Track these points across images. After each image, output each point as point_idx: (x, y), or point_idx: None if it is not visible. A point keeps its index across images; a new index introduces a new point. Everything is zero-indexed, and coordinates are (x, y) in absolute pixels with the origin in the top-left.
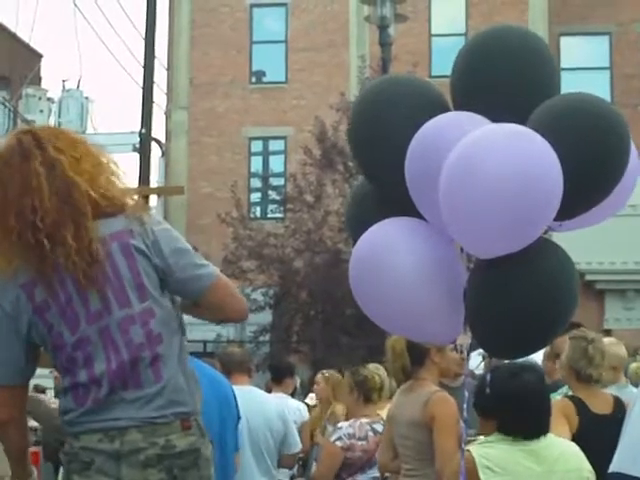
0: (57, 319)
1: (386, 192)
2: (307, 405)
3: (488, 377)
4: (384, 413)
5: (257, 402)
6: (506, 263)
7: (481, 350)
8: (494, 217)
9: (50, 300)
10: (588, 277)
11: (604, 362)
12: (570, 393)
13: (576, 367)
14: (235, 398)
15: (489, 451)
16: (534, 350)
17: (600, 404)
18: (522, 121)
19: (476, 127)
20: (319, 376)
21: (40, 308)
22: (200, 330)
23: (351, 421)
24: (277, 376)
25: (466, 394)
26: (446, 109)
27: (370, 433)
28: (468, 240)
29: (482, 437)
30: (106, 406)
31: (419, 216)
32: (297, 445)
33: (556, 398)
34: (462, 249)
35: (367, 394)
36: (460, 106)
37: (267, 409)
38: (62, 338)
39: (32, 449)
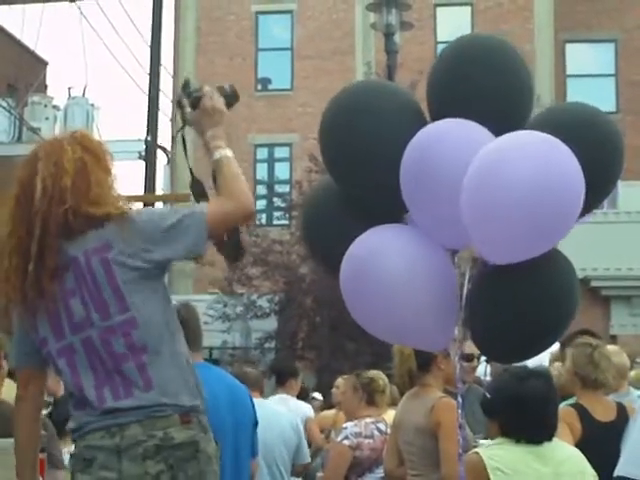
0: (44, 324)
1: (357, 196)
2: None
3: (496, 380)
4: (385, 416)
5: (270, 416)
6: (516, 270)
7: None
8: (519, 223)
9: (39, 302)
10: (594, 283)
11: (610, 367)
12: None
13: (582, 373)
14: (252, 402)
15: (498, 452)
16: (534, 355)
17: (604, 411)
18: (502, 129)
19: (475, 136)
20: (339, 380)
21: (31, 309)
22: (206, 337)
23: (355, 421)
24: (280, 378)
25: (460, 400)
26: (422, 116)
27: (376, 432)
28: (489, 246)
29: (487, 441)
30: (101, 413)
31: (389, 221)
32: (308, 457)
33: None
34: (453, 255)
35: (371, 395)
36: (438, 116)
37: (281, 422)
38: (47, 344)
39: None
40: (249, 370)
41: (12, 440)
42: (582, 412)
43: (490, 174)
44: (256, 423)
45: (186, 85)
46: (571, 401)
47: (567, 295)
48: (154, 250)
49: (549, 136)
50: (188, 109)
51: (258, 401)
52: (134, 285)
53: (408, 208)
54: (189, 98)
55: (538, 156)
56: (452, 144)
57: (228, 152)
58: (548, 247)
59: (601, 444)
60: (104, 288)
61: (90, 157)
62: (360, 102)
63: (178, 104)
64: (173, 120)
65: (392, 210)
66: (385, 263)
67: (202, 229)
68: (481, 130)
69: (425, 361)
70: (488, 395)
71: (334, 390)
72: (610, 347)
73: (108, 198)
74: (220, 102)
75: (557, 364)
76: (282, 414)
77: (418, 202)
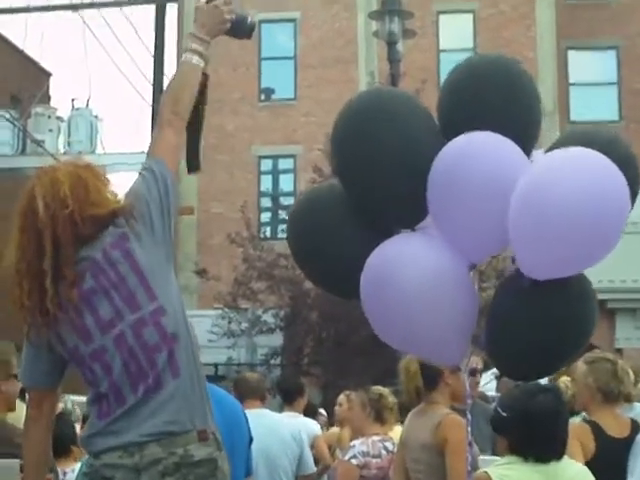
0: (69, 334)
1: (369, 205)
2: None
3: (506, 396)
4: (392, 433)
5: (271, 425)
6: (547, 288)
7: (494, 370)
8: (567, 240)
9: (63, 314)
10: (599, 296)
11: (630, 380)
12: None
13: (606, 388)
14: (246, 419)
15: (507, 472)
16: (552, 373)
17: (618, 427)
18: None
19: (506, 150)
20: (342, 397)
21: (54, 324)
22: (211, 353)
23: (363, 439)
24: (288, 397)
25: (469, 416)
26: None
27: (383, 451)
28: (532, 260)
29: (490, 457)
30: (128, 417)
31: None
32: (312, 467)
33: (573, 422)
34: (471, 269)
35: (379, 412)
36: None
37: (281, 431)
38: (78, 351)
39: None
40: (249, 375)
41: (17, 461)
42: (596, 428)
43: (540, 191)
44: (251, 440)
45: None
46: (578, 418)
47: (591, 313)
48: (159, 226)
49: (597, 153)
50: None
51: (259, 411)
52: (155, 271)
53: (433, 218)
54: None
55: (587, 174)
56: (483, 157)
57: (195, 60)
58: (594, 263)
59: (615, 460)
60: (129, 278)
61: (83, 170)
62: (375, 109)
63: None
64: None
65: (405, 220)
66: (407, 272)
67: (173, 180)
68: (511, 144)
69: (432, 378)
70: (502, 412)
71: (337, 408)
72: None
73: (107, 199)
74: (229, 15)
75: (564, 378)
76: (283, 424)
77: (444, 212)
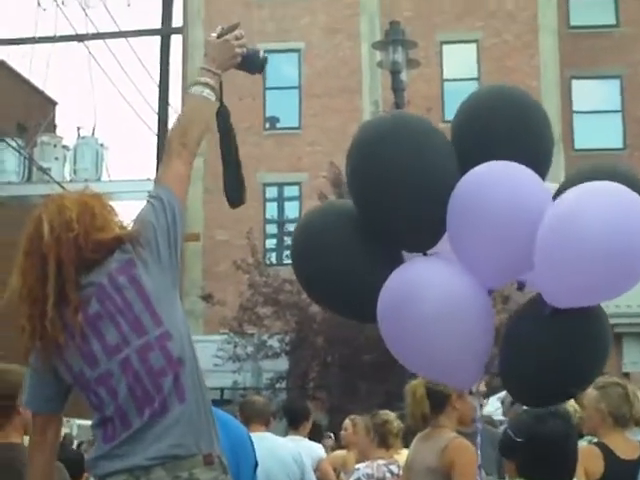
0: (75, 358)
1: (380, 226)
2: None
3: (515, 419)
4: (398, 457)
5: (272, 448)
6: (568, 314)
7: (500, 395)
8: (595, 272)
9: (68, 339)
10: None
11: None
12: (594, 440)
13: (617, 413)
14: (252, 443)
15: None
16: (565, 401)
17: (627, 449)
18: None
19: (524, 177)
20: (347, 422)
21: (60, 348)
22: (217, 377)
23: (367, 462)
24: (294, 420)
25: (479, 440)
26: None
27: (387, 474)
28: (558, 290)
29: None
30: (133, 441)
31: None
32: None
33: (582, 445)
34: (490, 293)
35: (383, 437)
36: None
37: (282, 454)
38: (84, 376)
39: None
40: (255, 398)
41: None
42: (605, 451)
43: (569, 222)
44: (256, 464)
45: (235, 26)
46: (584, 442)
47: (608, 340)
48: (166, 254)
49: (624, 187)
50: (214, 34)
51: (262, 434)
52: (161, 296)
53: (451, 243)
54: (223, 29)
55: (616, 207)
56: (504, 185)
57: (206, 92)
58: (619, 294)
59: None
60: (135, 304)
61: (90, 198)
62: (394, 133)
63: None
64: None
65: (418, 245)
66: (426, 295)
67: (181, 209)
68: (531, 173)
69: (439, 402)
70: (511, 435)
71: (342, 432)
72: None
73: (113, 225)
74: (240, 49)
75: (571, 402)
76: (284, 446)
77: (464, 239)
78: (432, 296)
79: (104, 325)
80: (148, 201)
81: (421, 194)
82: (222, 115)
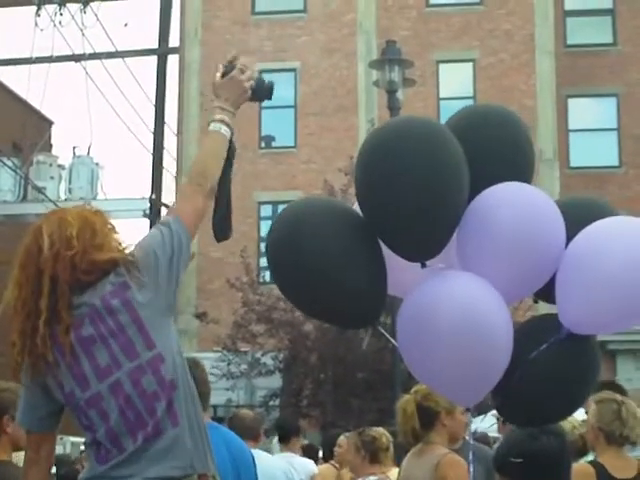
0: (66, 378)
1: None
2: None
3: (509, 437)
4: (390, 474)
5: (262, 465)
6: (578, 339)
7: (495, 412)
8: (617, 300)
9: (59, 358)
10: (600, 337)
11: (636, 423)
12: (591, 458)
13: (607, 429)
14: (253, 459)
15: None
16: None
17: (624, 468)
18: None
19: (535, 199)
20: (341, 438)
21: (50, 367)
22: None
23: (360, 479)
24: (284, 436)
25: (470, 456)
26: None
27: None
28: (579, 318)
29: None
30: (129, 464)
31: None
32: None
33: (577, 463)
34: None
35: (374, 454)
36: None
37: (273, 472)
38: (74, 397)
39: None
40: (244, 412)
41: None
42: (600, 469)
43: (592, 255)
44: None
45: (233, 59)
46: (588, 458)
47: (599, 361)
48: (164, 281)
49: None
50: (218, 74)
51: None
52: (155, 321)
53: (461, 261)
54: (225, 67)
55: (631, 237)
56: (515, 206)
57: (223, 129)
58: (634, 324)
59: None
60: (128, 327)
61: (92, 214)
62: (407, 139)
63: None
64: (178, 179)
65: (420, 256)
66: (446, 310)
67: (188, 242)
68: (540, 193)
69: (428, 419)
70: (504, 453)
71: (336, 449)
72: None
73: (111, 244)
74: (248, 83)
75: (572, 418)
76: (274, 463)
77: (475, 258)
78: (451, 310)
79: (95, 347)
80: (157, 227)
81: (433, 208)
82: (230, 151)
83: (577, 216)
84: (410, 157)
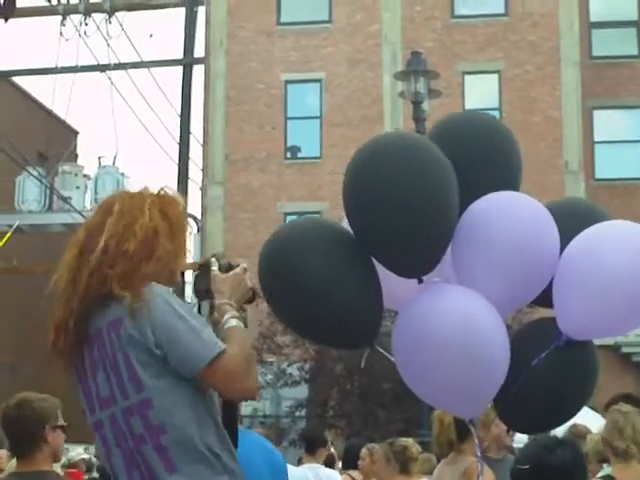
0: (82, 395)
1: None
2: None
3: (524, 449)
4: None
5: (289, 475)
6: (579, 346)
7: None
8: (616, 304)
9: (80, 373)
10: (625, 349)
11: (635, 435)
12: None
13: (608, 440)
14: (286, 471)
15: None
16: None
17: None
18: None
19: (530, 207)
20: (364, 451)
21: (80, 376)
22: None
23: None
24: (310, 447)
25: (479, 467)
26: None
27: None
28: (577, 325)
29: None
30: None
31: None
32: None
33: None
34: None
35: (404, 464)
36: None
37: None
38: (86, 417)
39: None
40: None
41: None
42: None
43: (589, 263)
44: None
45: (216, 256)
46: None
47: (598, 368)
48: (159, 346)
49: (636, 224)
50: (215, 268)
51: None
52: (149, 366)
53: (457, 273)
54: (220, 263)
55: (629, 242)
56: (511, 216)
57: (241, 324)
58: (632, 330)
59: None
60: (120, 365)
61: (164, 224)
62: (396, 156)
63: (203, 266)
64: (203, 189)
65: (414, 271)
66: (441, 325)
67: (198, 359)
68: (531, 202)
69: (465, 429)
70: (520, 465)
71: (360, 462)
72: None
73: (141, 281)
74: (250, 282)
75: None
76: (292, 472)
77: (471, 269)
78: (448, 325)
79: (99, 373)
80: (190, 322)
81: (425, 224)
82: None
83: (571, 220)
84: (399, 175)
